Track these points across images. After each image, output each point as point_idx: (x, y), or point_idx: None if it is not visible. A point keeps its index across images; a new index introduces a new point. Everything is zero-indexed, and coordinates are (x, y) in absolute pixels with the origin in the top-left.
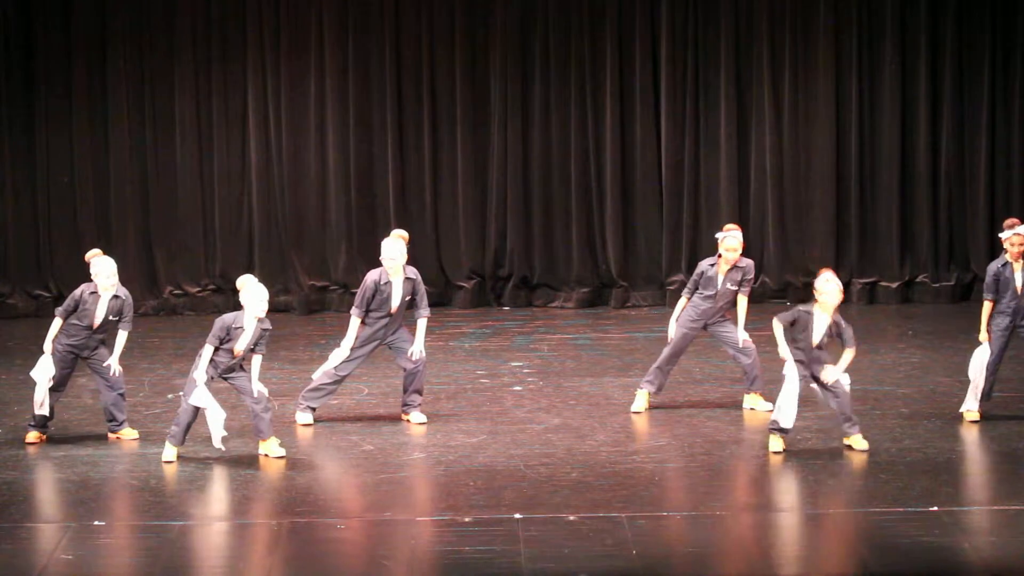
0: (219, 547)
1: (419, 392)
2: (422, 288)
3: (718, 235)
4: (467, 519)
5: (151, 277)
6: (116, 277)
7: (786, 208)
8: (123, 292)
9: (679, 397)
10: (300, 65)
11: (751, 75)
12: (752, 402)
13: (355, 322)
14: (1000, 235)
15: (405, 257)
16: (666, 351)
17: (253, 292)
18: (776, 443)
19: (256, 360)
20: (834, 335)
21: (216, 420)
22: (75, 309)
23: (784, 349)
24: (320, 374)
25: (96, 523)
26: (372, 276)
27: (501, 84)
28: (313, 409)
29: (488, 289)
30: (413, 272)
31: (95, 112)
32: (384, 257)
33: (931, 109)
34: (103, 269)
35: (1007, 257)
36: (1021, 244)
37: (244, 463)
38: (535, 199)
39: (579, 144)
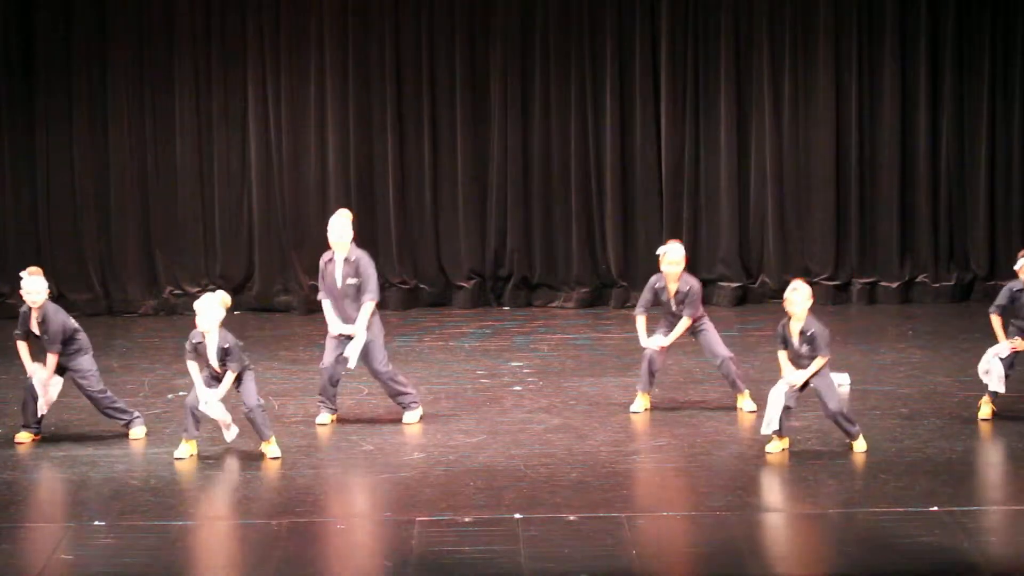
0: (219, 547)
1: (396, 395)
2: (369, 271)
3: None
4: (467, 519)
5: (151, 277)
6: (36, 295)
7: (786, 208)
8: (51, 309)
9: (679, 397)
10: (300, 65)
11: (751, 75)
12: (741, 403)
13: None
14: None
15: (350, 235)
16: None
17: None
18: (774, 445)
19: (227, 377)
20: (803, 343)
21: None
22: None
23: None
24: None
25: (96, 523)
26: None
27: (501, 84)
28: (332, 410)
29: (488, 289)
30: (357, 254)
31: (95, 112)
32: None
33: (931, 109)
34: (26, 287)
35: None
36: None
37: (244, 463)
38: (535, 199)
39: (579, 144)
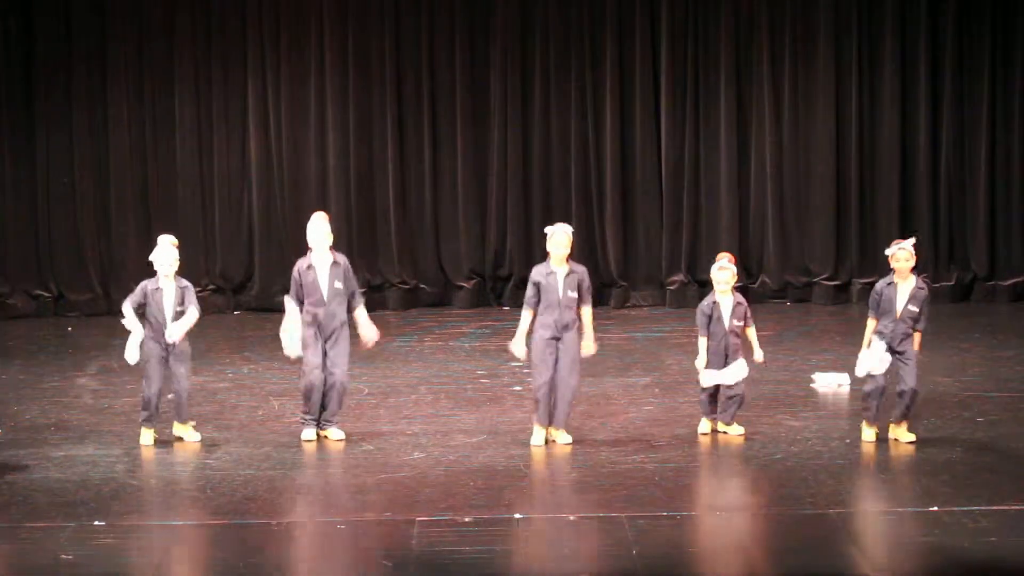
0: (219, 547)
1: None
2: (352, 277)
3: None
4: (467, 519)
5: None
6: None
7: (786, 208)
8: (183, 281)
9: (679, 397)
10: (300, 65)
11: (751, 75)
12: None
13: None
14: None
15: (330, 239)
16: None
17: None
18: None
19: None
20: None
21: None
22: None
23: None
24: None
25: (96, 523)
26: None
27: (501, 84)
28: (316, 423)
29: (488, 289)
30: (340, 258)
31: (95, 112)
32: (309, 239)
33: (931, 109)
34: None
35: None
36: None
37: (244, 463)
38: (535, 199)
39: (579, 144)
